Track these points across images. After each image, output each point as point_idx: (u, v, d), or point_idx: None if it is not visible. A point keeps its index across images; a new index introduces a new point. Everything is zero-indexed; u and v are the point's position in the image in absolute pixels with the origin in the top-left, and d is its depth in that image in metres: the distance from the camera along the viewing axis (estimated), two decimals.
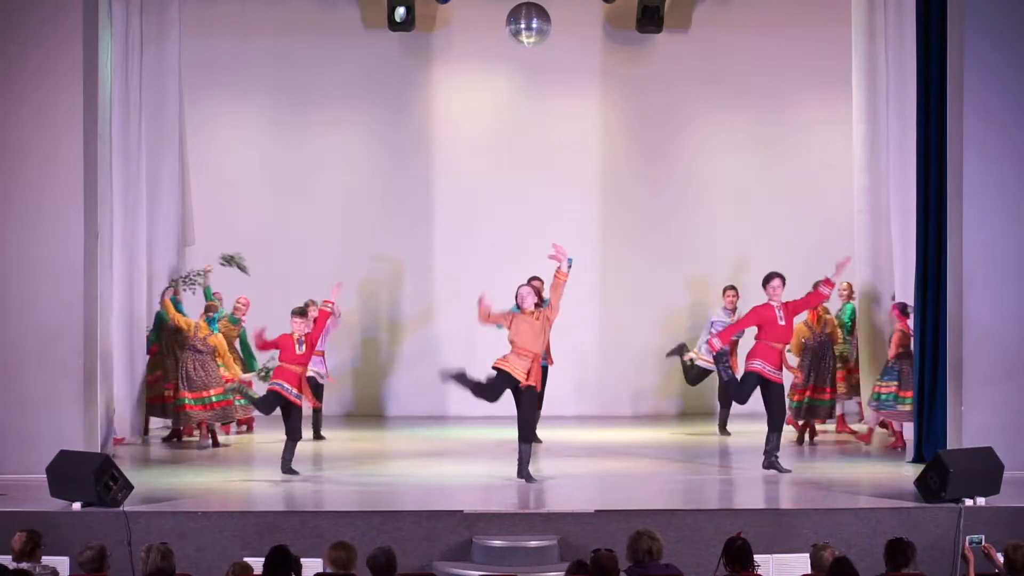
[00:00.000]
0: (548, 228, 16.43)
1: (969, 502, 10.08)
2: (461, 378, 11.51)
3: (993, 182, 11.71)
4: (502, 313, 11.67)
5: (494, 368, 11.43)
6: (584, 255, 16.56)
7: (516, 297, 11.76)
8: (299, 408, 12.06)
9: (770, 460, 11.83)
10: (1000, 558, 7.93)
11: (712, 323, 14.15)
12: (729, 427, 14.32)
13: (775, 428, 11.90)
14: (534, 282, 13.25)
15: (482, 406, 13.59)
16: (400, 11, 15.86)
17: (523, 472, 11.34)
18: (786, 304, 12.05)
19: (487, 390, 11.46)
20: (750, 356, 12.03)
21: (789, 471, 11.75)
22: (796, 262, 15.56)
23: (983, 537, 8.40)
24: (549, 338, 11.93)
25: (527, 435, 11.39)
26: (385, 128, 16.72)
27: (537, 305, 11.61)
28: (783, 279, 12.16)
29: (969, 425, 11.58)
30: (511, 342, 11.42)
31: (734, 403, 13.40)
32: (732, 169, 16.72)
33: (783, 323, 11.97)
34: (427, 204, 16.70)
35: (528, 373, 11.32)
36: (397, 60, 16.66)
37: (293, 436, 11.97)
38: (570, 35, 16.05)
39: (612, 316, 16.59)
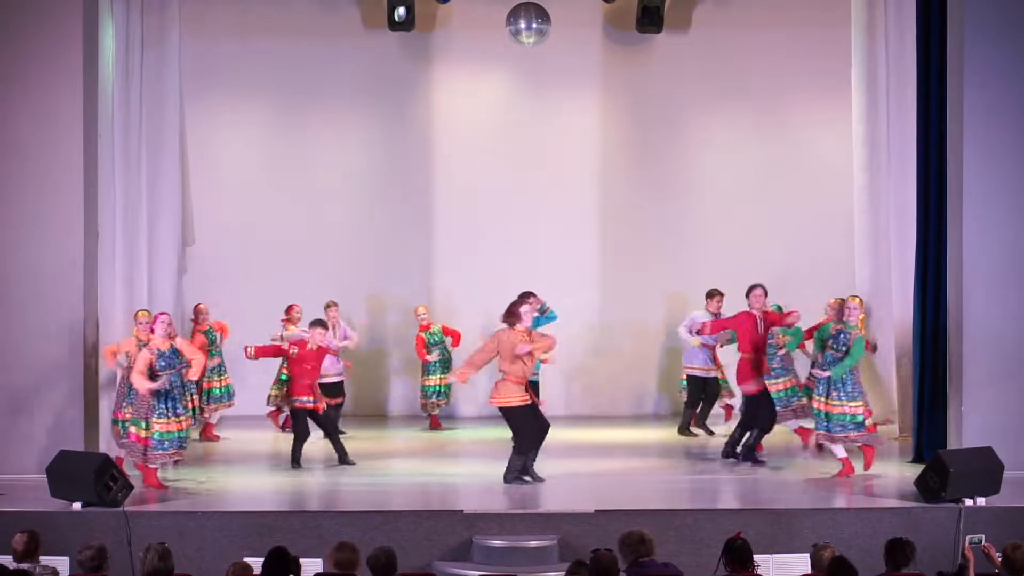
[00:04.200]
0: (548, 227, 16.50)
1: (969, 502, 10.08)
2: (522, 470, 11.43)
3: (993, 182, 11.72)
4: (484, 351, 11.46)
5: (517, 410, 11.31)
6: (583, 254, 16.64)
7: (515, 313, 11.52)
8: (320, 411, 12.46)
9: (747, 453, 12.18)
10: (999, 558, 7.93)
11: (693, 319, 14.13)
12: (695, 429, 14.33)
13: (764, 427, 12.23)
14: (529, 298, 13.18)
15: (482, 406, 13.68)
16: (400, 11, 15.86)
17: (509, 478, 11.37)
18: (767, 314, 12.24)
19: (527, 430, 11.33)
20: (742, 380, 12.32)
21: (764, 462, 12.17)
22: (796, 261, 15.62)
23: (983, 537, 8.40)
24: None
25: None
26: (385, 128, 16.71)
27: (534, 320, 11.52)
28: (765, 290, 12.43)
29: (969, 425, 11.59)
30: (501, 369, 11.35)
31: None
32: (732, 169, 16.71)
33: (761, 332, 12.27)
34: (427, 203, 16.69)
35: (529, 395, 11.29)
36: (397, 60, 16.65)
37: (331, 434, 12.46)
38: (570, 35, 16.04)
39: (611, 316, 16.58)
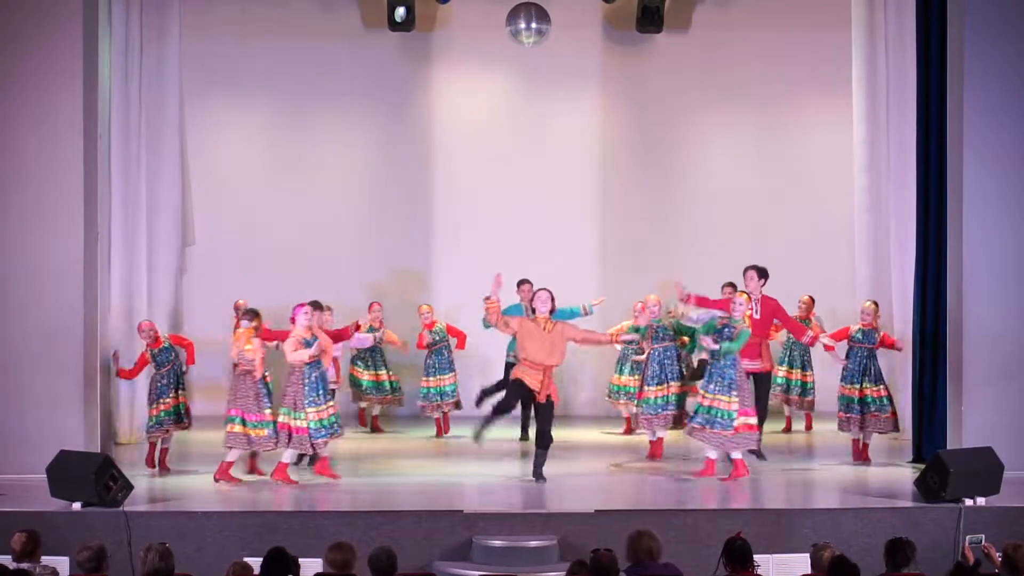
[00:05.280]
0: (547, 228, 16.51)
1: (969, 502, 10.08)
2: (487, 401, 11.62)
3: (993, 182, 11.73)
4: (511, 317, 11.67)
5: (513, 379, 11.55)
6: (583, 254, 16.64)
7: (533, 299, 11.74)
8: None
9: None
10: (999, 558, 7.93)
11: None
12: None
13: (759, 420, 12.05)
14: (524, 285, 13.29)
15: (481, 407, 13.64)
16: (400, 11, 15.87)
17: (537, 473, 11.44)
18: (765, 299, 12.21)
19: (506, 405, 11.55)
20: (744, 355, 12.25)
21: (764, 459, 12.13)
22: (795, 261, 15.61)
23: (983, 537, 8.41)
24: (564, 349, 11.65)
25: (543, 442, 11.45)
26: (385, 128, 16.73)
27: (551, 312, 11.52)
28: (758, 271, 12.39)
29: (969, 425, 11.59)
30: (521, 353, 11.45)
31: None
32: (732, 169, 16.72)
33: (758, 316, 12.21)
34: (427, 204, 16.70)
35: (541, 386, 11.35)
36: (397, 60, 16.66)
37: None
38: (570, 35, 16.05)
39: (612, 316, 16.55)
